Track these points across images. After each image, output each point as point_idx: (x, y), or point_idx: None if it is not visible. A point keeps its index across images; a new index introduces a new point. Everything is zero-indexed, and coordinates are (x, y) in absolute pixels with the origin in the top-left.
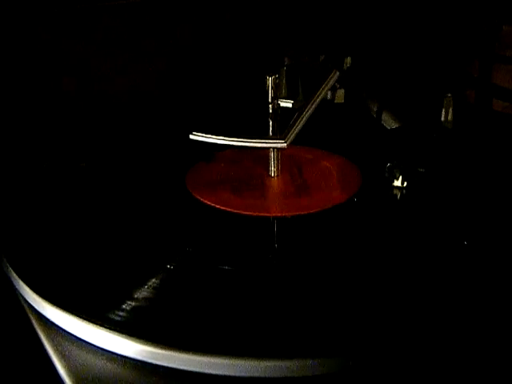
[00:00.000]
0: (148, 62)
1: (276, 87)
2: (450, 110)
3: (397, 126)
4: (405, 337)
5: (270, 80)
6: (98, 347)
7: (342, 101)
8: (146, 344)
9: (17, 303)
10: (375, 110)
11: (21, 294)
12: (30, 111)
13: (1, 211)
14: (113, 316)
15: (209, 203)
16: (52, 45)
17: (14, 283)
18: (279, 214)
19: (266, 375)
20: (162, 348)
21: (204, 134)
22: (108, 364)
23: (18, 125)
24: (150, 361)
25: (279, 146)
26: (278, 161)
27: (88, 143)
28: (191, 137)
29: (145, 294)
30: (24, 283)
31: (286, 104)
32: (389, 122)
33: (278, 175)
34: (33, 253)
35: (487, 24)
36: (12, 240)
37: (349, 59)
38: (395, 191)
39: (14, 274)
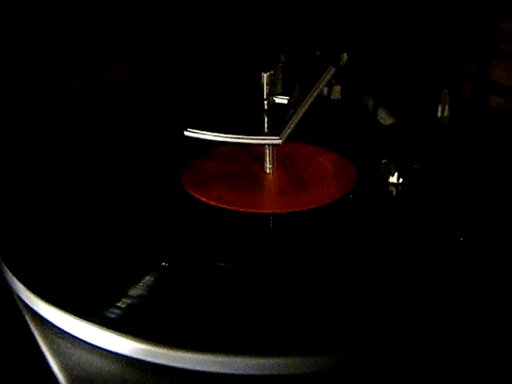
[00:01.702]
0: (142, 59)
1: (271, 83)
2: (446, 105)
3: (393, 122)
4: (402, 333)
5: (265, 76)
6: (92, 345)
7: (339, 97)
8: (141, 342)
9: (11, 301)
10: (371, 106)
11: (15, 292)
12: (28, 108)
13: None
14: (107, 314)
15: (204, 200)
16: (54, 43)
17: (9, 281)
18: (274, 211)
19: (263, 373)
20: (156, 346)
21: (199, 131)
22: (102, 362)
23: (15, 122)
24: (144, 358)
25: (274, 142)
26: (273, 157)
27: (84, 140)
28: (186, 133)
29: (140, 291)
30: (18, 281)
31: (282, 100)
32: (385, 118)
33: (273, 172)
34: (27, 250)
35: (484, 20)
36: (7, 238)
37: (345, 55)
38: (391, 187)
39: (9, 272)
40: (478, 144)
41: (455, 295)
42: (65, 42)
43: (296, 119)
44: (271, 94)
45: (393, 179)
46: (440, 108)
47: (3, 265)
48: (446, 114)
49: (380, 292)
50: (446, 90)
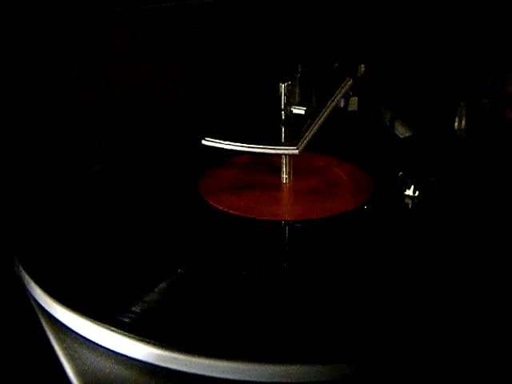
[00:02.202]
0: (161, 68)
1: (289, 94)
2: (464, 118)
3: (409, 134)
4: (414, 344)
5: (283, 87)
6: (107, 349)
7: (355, 108)
8: (155, 347)
9: (27, 304)
10: (388, 118)
11: (31, 295)
12: (43, 115)
13: (13, 212)
14: (122, 318)
15: (220, 208)
16: (64, 50)
17: (25, 284)
18: (290, 220)
19: (276, 380)
20: (170, 351)
21: (217, 140)
22: (116, 366)
23: (32, 127)
24: (158, 364)
25: (291, 152)
26: (289, 167)
27: (101, 147)
28: (204, 142)
29: (154, 297)
30: (35, 284)
31: (299, 111)
32: (401, 131)
33: (289, 181)
34: (44, 254)
35: (502, 33)
36: (24, 241)
37: (362, 67)
38: (407, 200)
39: (25, 275)
40: (495, 157)
41: (470, 309)
42: (77, 47)
43: (313, 130)
44: (288, 104)
45: (409, 192)
46: (457, 121)
47: (20, 267)
48: (462, 126)
49: (394, 302)
50: (463, 103)
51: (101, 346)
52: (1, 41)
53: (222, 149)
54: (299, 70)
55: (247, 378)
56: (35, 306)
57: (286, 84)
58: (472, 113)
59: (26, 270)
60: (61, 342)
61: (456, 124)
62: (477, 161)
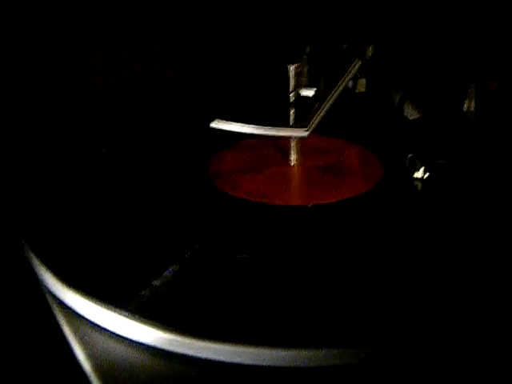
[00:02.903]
0: (169, 50)
1: (297, 76)
2: (473, 100)
3: (418, 116)
4: (424, 330)
5: (291, 69)
6: (117, 334)
7: (364, 90)
8: (166, 331)
9: (37, 288)
10: (397, 99)
11: (41, 279)
12: (52, 99)
13: (23, 197)
14: (133, 303)
15: (229, 191)
16: (75, 31)
17: (35, 268)
18: (299, 203)
19: (286, 364)
20: (181, 335)
21: (225, 122)
22: (126, 350)
23: (42, 111)
24: (169, 348)
25: (300, 134)
26: (298, 150)
27: (110, 130)
28: (212, 125)
29: (164, 281)
30: (45, 268)
31: (308, 93)
32: (410, 113)
33: (298, 164)
34: (54, 238)
35: None
36: (33, 225)
37: (371, 48)
38: (416, 182)
39: (35, 259)
40: (505, 139)
41: (479, 291)
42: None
43: (322, 112)
44: (297, 86)
45: (418, 174)
46: (466, 103)
47: (30, 252)
48: (472, 108)
49: (404, 287)
50: (472, 85)
51: (111, 331)
52: (11, 23)
53: (231, 131)
54: (307, 51)
55: (257, 363)
56: (45, 291)
57: (294, 66)
58: (481, 95)
59: (35, 255)
60: (71, 326)
61: (465, 106)
62: (486, 143)
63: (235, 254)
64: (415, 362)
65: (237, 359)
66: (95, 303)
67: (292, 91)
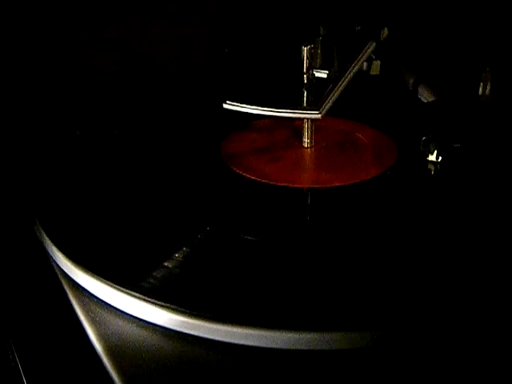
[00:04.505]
0: (181, 32)
1: (311, 57)
2: (488, 84)
3: (433, 99)
4: (436, 313)
5: (305, 50)
6: (129, 315)
7: (378, 72)
8: (178, 313)
9: (50, 269)
10: (411, 82)
11: (54, 260)
12: (65, 82)
13: (36, 179)
14: (144, 283)
15: (242, 173)
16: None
17: (48, 249)
18: (312, 186)
19: (297, 347)
20: (193, 317)
21: (238, 104)
22: (138, 331)
23: (54, 94)
24: (180, 329)
25: (313, 116)
26: (311, 132)
27: (122, 112)
28: (225, 106)
29: (176, 262)
30: (57, 249)
31: (321, 74)
32: (425, 95)
33: (311, 146)
34: (66, 219)
35: None
36: (46, 207)
37: (386, 30)
38: (430, 165)
39: (48, 240)
40: None
41: (493, 278)
42: (100, 15)
43: (335, 94)
44: (311, 67)
45: (432, 157)
46: (481, 86)
47: (43, 233)
48: (487, 92)
49: (415, 270)
50: (488, 69)
51: (123, 312)
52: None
53: (244, 113)
54: (322, 33)
55: (269, 345)
56: (58, 272)
57: (308, 47)
58: (497, 79)
59: (48, 236)
60: (83, 306)
61: (480, 90)
62: (501, 127)
63: (253, 235)
64: (421, 348)
65: (248, 342)
66: (108, 284)
67: (306, 73)
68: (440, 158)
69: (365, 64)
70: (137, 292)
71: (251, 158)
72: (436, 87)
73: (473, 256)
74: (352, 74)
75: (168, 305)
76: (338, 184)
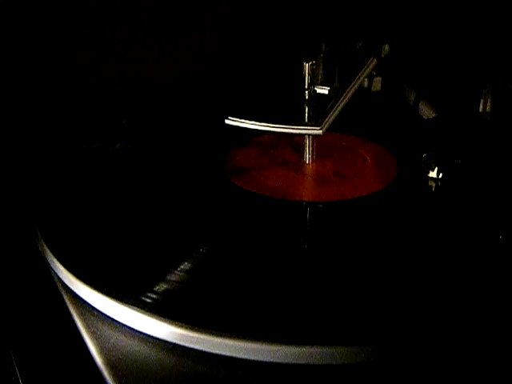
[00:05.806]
0: (184, 46)
1: (312, 73)
2: (489, 100)
3: (434, 115)
4: (438, 327)
5: (306, 66)
6: (129, 328)
7: (379, 89)
8: (177, 326)
9: (51, 282)
10: (412, 98)
11: (55, 274)
12: (69, 94)
13: (38, 192)
14: (145, 297)
15: (243, 188)
16: (92, 30)
17: (49, 262)
18: (313, 201)
19: (300, 362)
20: (194, 331)
21: (240, 119)
22: (140, 345)
23: (58, 105)
24: (181, 343)
25: (315, 132)
26: (313, 148)
27: (124, 125)
28: (227, 122)
29: (177, 276)
30: (59, 262)
31: (323, 91)
32: (426, 112)
33: (312, 162)
34: (68, 232)
35: None
36: (47, 219)
37: (387, 47)
38: (430, 182)
39: (50, 253)
40: None
41: (493, 293)
42: (105, 26)
43: (337, 110)
44: (312, 84)
45: (433, 174)
46: (482, 103)
47: (44, 246)
48: (488, 109)
49: (416, 284)
50: (488, 85)
51: (124, 325)
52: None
53: (246, 128)
54: (323, 49)
55: (269, 359)
56: (59, 285)
57: (309, 63)
58: (498, 95)
59: (50, 249)
60: (84, 319)
61: (481, 106)
62: (502, 144)
63: (254, 249)
64: (423, 362)
65: (249, 356)
66: (109, 298)
67: (307, 89)
68: (441, 175)
69: (366, 80)
70: (138, 306)
71: (253, 173)
72: (437, 103)
73: (474, 272)
74: (353, 90)
75: (169, 319)
76: (338, 199)
